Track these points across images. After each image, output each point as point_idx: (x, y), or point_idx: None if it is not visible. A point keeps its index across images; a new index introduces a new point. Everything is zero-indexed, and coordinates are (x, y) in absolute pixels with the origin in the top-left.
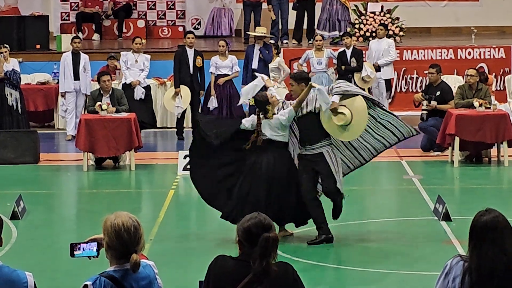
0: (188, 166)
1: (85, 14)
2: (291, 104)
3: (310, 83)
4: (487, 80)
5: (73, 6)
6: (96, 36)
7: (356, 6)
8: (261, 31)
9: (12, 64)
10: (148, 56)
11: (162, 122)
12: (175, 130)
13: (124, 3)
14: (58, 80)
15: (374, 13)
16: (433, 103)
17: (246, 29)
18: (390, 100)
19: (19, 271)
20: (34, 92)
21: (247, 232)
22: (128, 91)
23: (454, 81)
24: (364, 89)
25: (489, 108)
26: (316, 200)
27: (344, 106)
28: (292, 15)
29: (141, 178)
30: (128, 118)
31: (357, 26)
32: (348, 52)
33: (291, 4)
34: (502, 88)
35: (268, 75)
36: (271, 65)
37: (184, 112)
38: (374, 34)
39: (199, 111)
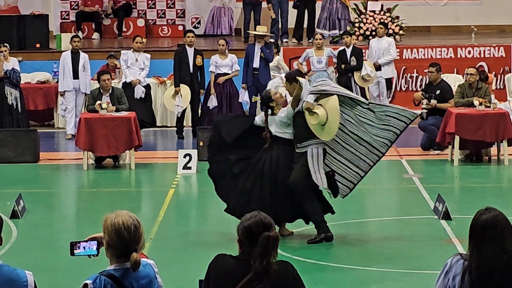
0: (207, 161)
1: (85, 13)
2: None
3: (297, 78)
4: (487, 79)
5: (73, 5)
6: (96, 35)
7: (356, 5)
8: (262, 30)
9: (12, 63)
10: (148, 55)
11: (162, 121)
12: (175, 129)
13: (124, 2)
14: (58, 79)
15: (374, 12)
16: (433, 102)
17: (246, 28)
18: (390, 99)
19: (19, 270)
20: (34, 91)
21: (247, 231)
22: (128, 90)
23: (454, 80)
24: (364, 88)
25: (489, 107)
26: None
27: (320, 105)
28: (292, 14)
29: (141, 177)
30: (128, 117)
31: (357, 25)
32: (348, 51)
33: (291, 3)
34: (502, 87)
35: (269, 74)
36: (270, 64)
37: (184, 111)
38: (374, 33)
39: (199, 110)
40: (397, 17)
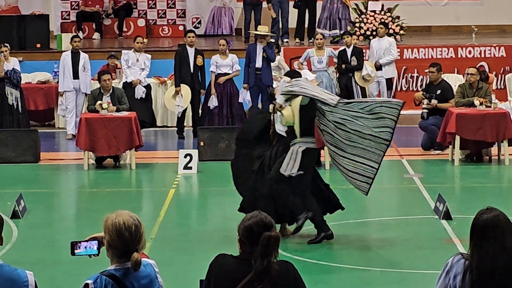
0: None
1: (85, 13)
2: None
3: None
4: (488, 79)
5: (74, 5)
6: (96, 35)
7: (356, 4)
8: (263, 29)
9: (13, 63)
10: (149, 56)
11: (163, 121)
12: (176, 129)
13: (124, 2)
14: (58, 79)
15: (374, 11)
16: (434, 101)
17: (247, 28)
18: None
19: (19, 270)
20: (34, 91)
21: (248, 230)
22: (128, 90)
23: (454, 80)
24: (364, 88)
25: (490, 106)
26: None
27: (290, 106)
28: (293, 14)
29: (141, 177)
30: (129, 117)
31: (357, 24)
32: (349, 51)
33: (291, 3)
34: (502, 87)
35: (271, 74)
36: (271, 64)
37: (184, 111)
38: (374, 33)
39: (200, 110)
40: (398, 17)
